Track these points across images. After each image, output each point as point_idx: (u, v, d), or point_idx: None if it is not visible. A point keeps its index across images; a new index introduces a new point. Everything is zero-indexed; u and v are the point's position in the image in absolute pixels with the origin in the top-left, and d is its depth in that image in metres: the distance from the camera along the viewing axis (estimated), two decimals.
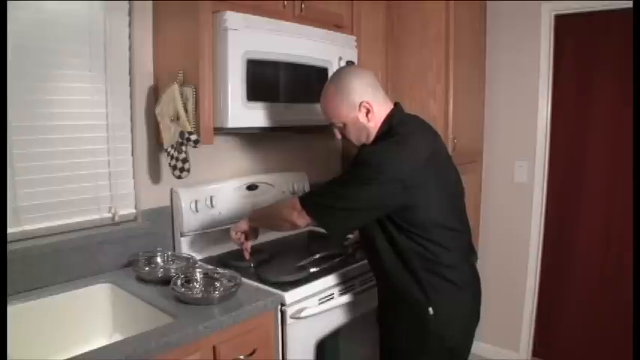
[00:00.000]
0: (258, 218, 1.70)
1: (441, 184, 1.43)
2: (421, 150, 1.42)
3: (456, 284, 1.44)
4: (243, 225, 1.70)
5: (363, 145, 1.50)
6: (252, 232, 1.73)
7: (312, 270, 1.69)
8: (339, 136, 1.55)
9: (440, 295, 1.42)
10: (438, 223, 1.42)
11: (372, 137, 1.48)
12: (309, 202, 1.47)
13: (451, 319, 1.44)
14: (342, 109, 1.47)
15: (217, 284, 1.50)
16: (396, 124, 1.46)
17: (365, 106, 1.45)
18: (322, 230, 1.96)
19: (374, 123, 1.47)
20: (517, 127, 2.65)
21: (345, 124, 1.49)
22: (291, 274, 1.65)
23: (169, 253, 1.77)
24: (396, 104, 1.52)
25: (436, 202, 1.42)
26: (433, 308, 1.41)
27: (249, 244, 1.75)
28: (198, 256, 1.83)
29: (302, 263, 1.74)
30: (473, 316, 1.54)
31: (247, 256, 1.75)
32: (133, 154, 1.80)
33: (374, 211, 1.40)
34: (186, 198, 1.84)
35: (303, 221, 1.48)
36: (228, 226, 1.89)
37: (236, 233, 1.71)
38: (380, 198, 1.37)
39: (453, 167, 1.56)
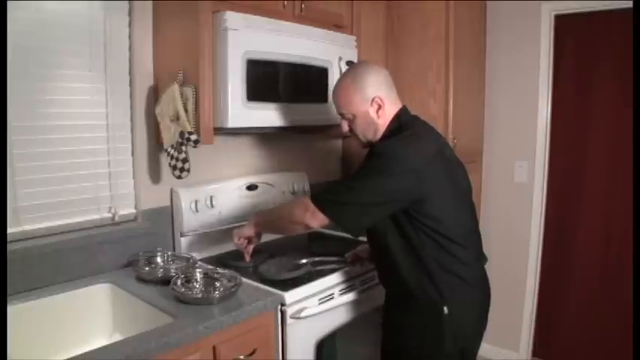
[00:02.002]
0: (265, 222, 1.64)
1: (450, 180, 1.44)
2: (431, 145, 1.44)
3: (469, 283, 1.44)
4: (248, 231, 1.65)
5: (372, 143, 1.51)
6: (255, 236, 1.69)
7: (310, 270, 1.68)
8: (346, 127, 1.54)
9: (454, 294, 1.41)
10: (452, 218, 1.42)
11: (378, 134, 1.49)
12: (322, 200, 1.43)
13: (464, 319, 1.44)
14: (354, 101, 1.47)
15: (217, 284, 1.50)
16: (405, 123, 1.47)
17: (377, 102, 1.46)
18: (323, 231, 1.95)
19: (383, 120, 1.48)
20: (517, 127, 2.65)
21: (354, 116, 1.49)
22: (289, 271, 1.65)
23: (169, 253, 1.77)
24: (402, 107, 1.53)
25: (448, 196, 1.42)
26: (448, 307, 1.40)
27: (251, 248, 1.71)
28: (198, 256, 1.83)
29: (300, 262, 1.73)
30: (483, 317, 1.54)
31: (248, 258, 1.73)
32: (133, 154, 1.80)
33: (390, 205, 1.39)
34: (186, 198, 1.84)
35: (316, 222, 1.44)
36: (229, 227, 1.89)
37: (239, 239, 1.67)
38: (396, 190, 1.36)
39: (461, 165, 1.56)
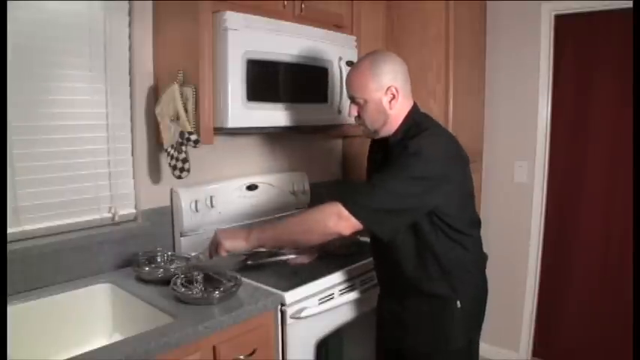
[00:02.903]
0: (274, 239, 1.46)
1: (465, 178, 1.45)
2: (455, 146, 1.45)
3: (476, 275, 1.48)
4: (242, 246, 1.45)
5: (392, 142, 1.46)
6: None
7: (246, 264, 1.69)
8: (354, 112, 1.47)
9: (465, 287, 1.44)
10: (464, 214, 1.44)
11: (388, 126, 1.45)
12: (359, 207, 1.32)
13: (473, 310, 1.47)
14: (369, 85, 1.42)
15: (217, 284, 1.50)
16: (420, 120, 1.46)
17: (392, 92, 1.42)
18: None
19: (394, 112, 1.44)
20: (517, 127, 2.65)
21: (366, 102, 1.43)
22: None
23: (169, 253, 1.76)
24: (414, 103, 1.50)
25: (464, 194, 1.44)
26: (461, 301, 1.42)
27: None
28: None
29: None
30: (485, 306, 1.56)
31: (212, 256, 1.52)
32: (133, 154, 1.80)
33: (424, 208, 1.36)
34: (186, 198, 1.84)
35: (350, 229, 1.33)
36: (229, 227, 1.88)
37: (226, 252, 1.46)
38: (431, 193, 1.34)
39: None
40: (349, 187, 1.46)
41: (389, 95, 1.42)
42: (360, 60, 1.50)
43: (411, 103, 1.49)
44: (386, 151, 1.49)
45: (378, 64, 1.42)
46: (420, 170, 1.32)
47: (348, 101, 1.50)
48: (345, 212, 1.31)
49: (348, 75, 1.49)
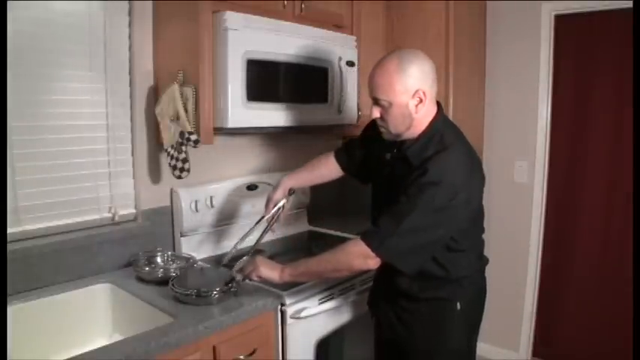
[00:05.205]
0: (306, 274, 1.48)
1: (481, 196, 1.43)
2: (476, 164, 1.40)
3: (476, 277, 1.50)
4: (274, 277, 1.46)
5: (409, 147, 1.39)
6: None
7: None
8: (377, 114, 1.38)
9: (466, 290, 1.45)
10: (475, 229, 1.46)
11: (412, 130, 1.38)
12: (384, 248, 1.31)
13: (472, 310, 1.49)
14: (396, 87, 1.32)
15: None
16: (444, 131, 1.38)
17: (419, 96, 1.33)
18: (323, 231, 1.91)
19: (419, 116, 1.35)
20: (517, 127, 2.64)
21: (390, 105, 1.33)
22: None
23: (169, 253, 1.77)
24: (439, 105, 1.43)
25: (477, 209, 1.43)
26: (460, 303, 1.43)
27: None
28: (198, 256, 1.83)
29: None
30: (482, 307, 1.57)
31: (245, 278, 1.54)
32: (133, 154, 1.80)
33: (449, 235, 1.36)
34: (186, 198, 1.84)
35: (377, 265, 1.35)
36: (229, 227, 1.88)
37: (259, 278, 1.49)
38: (457, 220, 1.33)
39: None
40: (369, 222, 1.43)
41: (416, 99, 1.33)
42: (385, 58, 1.37)
43: (435, 108, 1.41)
44: (395, 150, 1.43)
45: (406, 64, 1.32)
46: (442, 201, 1.27)
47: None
48: (370, 252, 1.32)
49: (372, 74, 1.37)
